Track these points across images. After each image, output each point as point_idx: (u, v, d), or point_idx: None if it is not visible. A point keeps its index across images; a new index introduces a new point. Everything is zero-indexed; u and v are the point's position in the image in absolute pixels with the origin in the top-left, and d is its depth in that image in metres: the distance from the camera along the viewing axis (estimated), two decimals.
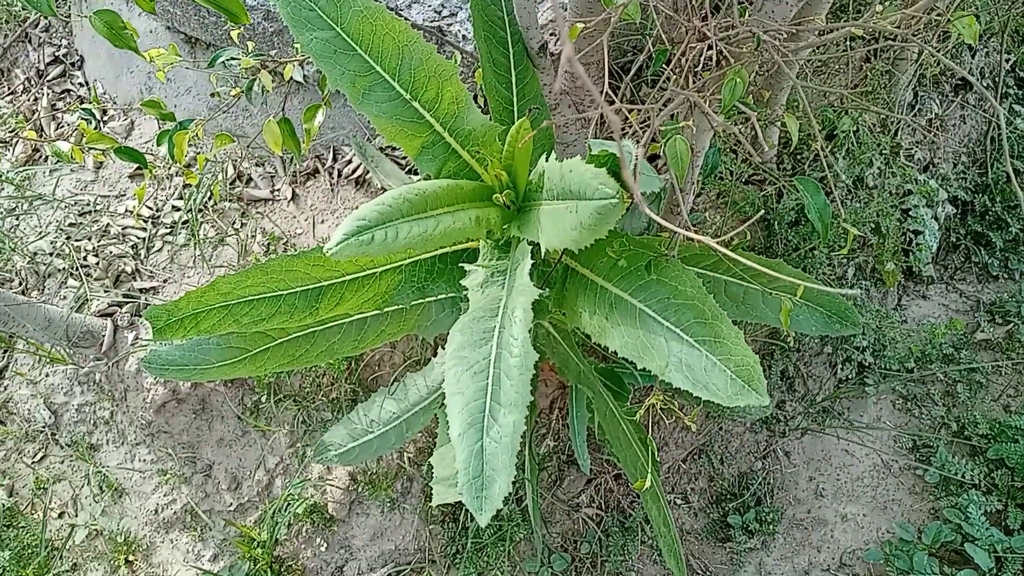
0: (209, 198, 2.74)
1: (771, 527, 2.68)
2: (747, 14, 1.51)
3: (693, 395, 1.26)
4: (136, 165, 2.92)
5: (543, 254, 1.40)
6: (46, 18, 3.39)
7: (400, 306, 1.71)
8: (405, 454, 2.51)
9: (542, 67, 1.70)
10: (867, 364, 2.92)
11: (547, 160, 1.40)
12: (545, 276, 1.61)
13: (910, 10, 1.33)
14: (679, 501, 2.71)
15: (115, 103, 3.13)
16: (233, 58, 1.91)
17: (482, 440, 1.24)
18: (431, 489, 2.41)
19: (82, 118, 1.89)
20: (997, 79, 3.15)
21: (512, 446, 1.23)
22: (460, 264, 1.53)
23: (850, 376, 2.93)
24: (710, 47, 1.43)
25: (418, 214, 1.30)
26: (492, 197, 1.45)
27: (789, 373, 2.84)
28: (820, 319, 1.86)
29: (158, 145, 1.89)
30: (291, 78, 2.01)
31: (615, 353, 1.43)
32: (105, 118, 3.12)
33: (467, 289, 1.55)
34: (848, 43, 2.46)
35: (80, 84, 3.21)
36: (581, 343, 2.07)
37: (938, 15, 1.41)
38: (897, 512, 2.74)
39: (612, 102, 1.90)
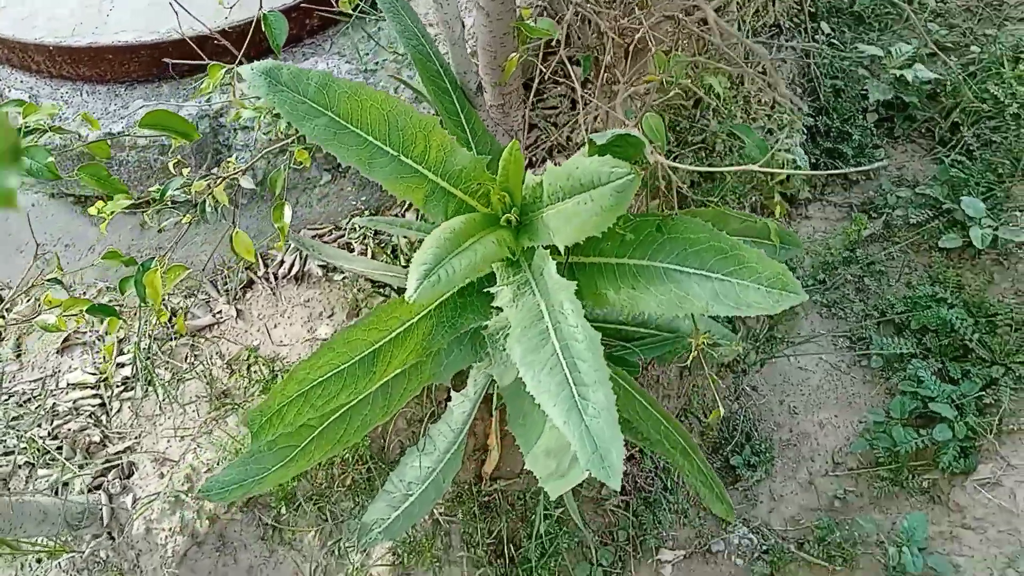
0: (151, 343, 2.71)
1: (768, 455, 2.93)
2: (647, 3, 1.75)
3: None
4: (61, 338, 2.86)
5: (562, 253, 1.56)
6: None
7: (417, 361, 1.83)
8: (435, 512, 2.57)
9: (479, 105, 1.88)
10: None
11: (534, 173, 1.57)
12: None
13: None
14: None
15: (9, 287, 3.02)
16: (183, 185, 1.97)
17: (584, 421, 1.37)
18: (470, 537, 2.50)
19: (50, 290, 1.88)
20: (796, 20, 3.62)
21: (612, 417, 1.36)
22: (483, 291, 1.67)
23: None
24: (630, 39, 1.66)
25: (458, 248, 1.43)
26: (500, 220, 1.60)
27: (729, 317, 3.12)
28: (770, 249, 2.11)
29: (122, 293, 1.90)
30: (230, 199, 2.07)
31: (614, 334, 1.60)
32: (4, 304, 3.01)
33: (495, 312, 1.69)
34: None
35: None
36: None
37: None
38: (861, 403, 3.06)
39: (540, 99, 2.10)
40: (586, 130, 1.76)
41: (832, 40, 3.74)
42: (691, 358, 1.64)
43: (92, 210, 1.88)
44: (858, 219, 3.14)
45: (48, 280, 1.93)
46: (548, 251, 1.58)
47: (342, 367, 1.52)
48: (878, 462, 2.86)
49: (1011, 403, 2.76)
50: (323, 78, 1.44)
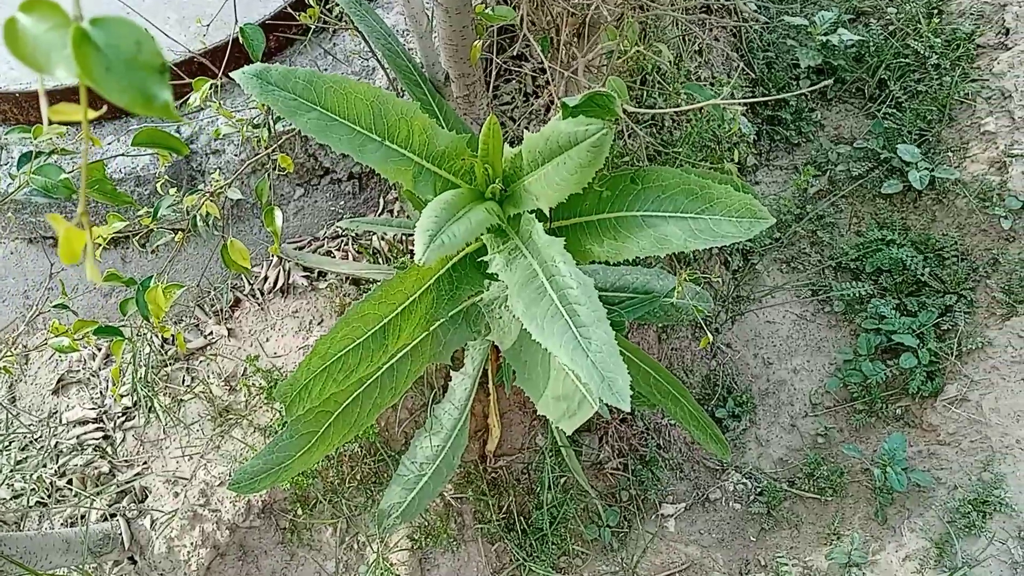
0: (148, 371, 2.77)
1: (750, 405, 3.08)
2: None
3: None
4: (56, 379, 2.90)
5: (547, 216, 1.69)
6: None
7: (417, 340, 1.96)
8: (445, 494, 2.67)
9: (447, 95, 2.01)
10: (748, 249, 3.43)
11: (510, 142, 1.70)
12: None
13: None
14: (673, 422, 3.05)
15: None
16: (173, 203, 2.06)
17: (589, 357, 1.50)
18: (481, 515, 2.61)
19: (55, 316, 1.96)
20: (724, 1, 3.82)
21: (613, 349, 1.49)
22: (476, 264, 1.79)
23: (740, 265, 3.43)
24: (582, 18, 1.80)
25: (455, 217, 1.55)
26: (485, 193, 1.72)
27: (697, 282, 3.27)
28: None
29: (123, 314, 1.98)
30: (219, 212, 2.16)
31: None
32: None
33: (489, 283, 1.82)
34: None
35: None
36: None
37: None
38: (829, 346, 3.24)
39: (494, 95, 2.24)
40: (556, 98, 1.90)
41: (759, 16, 3.95)
42: (676, 292, 1.77)
43: (88, 234, 1.96)
44: (806, 170, 3.34)
45: (55, 306, 2.00)
46: (533, 215, 1.71)
47: (358, 340, 1.62)
48: (852, 397, 3.04)
49: (967, 326, 2.96)
50: (309, 75, 1.55)
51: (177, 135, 2.63)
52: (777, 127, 3.76)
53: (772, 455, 3.01)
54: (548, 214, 1.80)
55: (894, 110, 3.73)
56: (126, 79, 0.54)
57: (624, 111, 1.73)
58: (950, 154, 3.44)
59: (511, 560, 2.69)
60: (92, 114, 0.60)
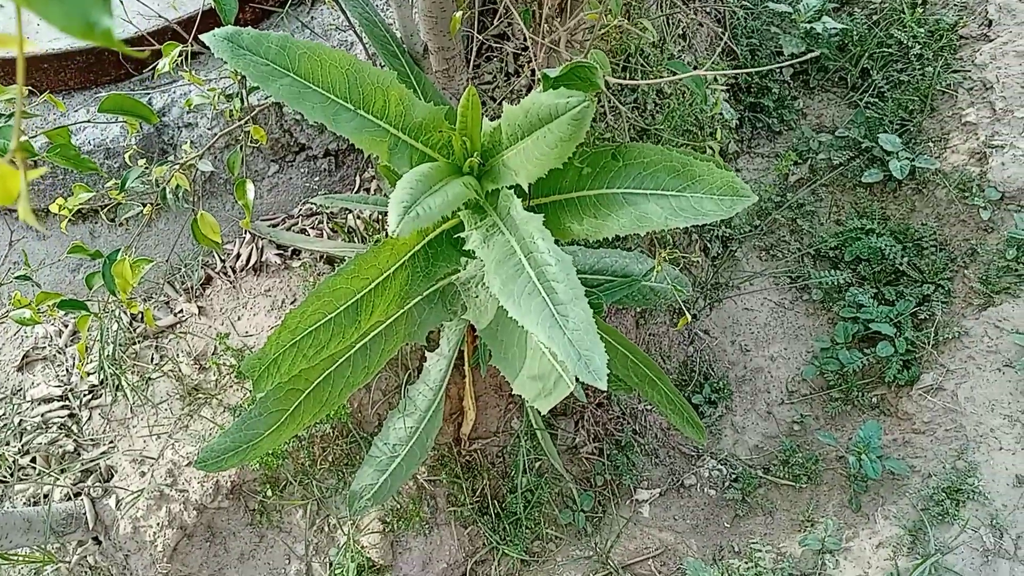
0: (116, 349, 2.71)
1: (726, 391, 3.07)
2: None
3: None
4: (20, 355, 2.83)
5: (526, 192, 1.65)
6: None
7: (391, 318, 1.92)
8: (418, 477, 2.63)
9: (426, 68, 1.96)
10: (727, 236, 3.41)
11: (491, 120, 1.66)
12: None
13: None
14: (649, 407, 3.03)
15: None
16: (142, 174, 2.00)
17: (566, 335, 1.47)
18: (455, 498, 2.57)
19: (18, 289, 1.89)
20: None
21: (591, 328, 1.46)
22: (452, 240, 1.75)
23: (719, 251, 3.41)
24: None
25: (431, 190, 1.51)
26: (463, 167, 1.68)
27: (676, 264, 3.25)
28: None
29: (90, 288, 1.92)
30: (189, 184, 2.10)
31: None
32: None
33: (465, 261, 1.78)
34: None
35: None
36: None
37: None
38: (807, 334, 3.23)
39: (475, 74, 2.19)
40: (537, 69, 1.85)
41: (743, 2, 3.93)
42: (655, 272, 1.74)
43: (53, 207, 1.91)
44: (787, 156, 3.32)
45: (16, 277, 1.94)
46: (512, 191, 1.67)
47: (330, 316, 1.58)
48: (829, 385, 3.03)
49: (944, 315, 2.96)
50: (282, 40, 1.50)
51: (148, 107, 2.56)
52: (759, 114, 3.74)
53: (748, 442, 3.00)
54: (527, 191, 1.76)
55: (876, 100, 3.72)
56: (65, 2, 0.49)
57: (606, 84, 1.70)
58: (931, 144, 3.44)
59: (484, 543, 2.66)
60: (29, 45, 0.56)
